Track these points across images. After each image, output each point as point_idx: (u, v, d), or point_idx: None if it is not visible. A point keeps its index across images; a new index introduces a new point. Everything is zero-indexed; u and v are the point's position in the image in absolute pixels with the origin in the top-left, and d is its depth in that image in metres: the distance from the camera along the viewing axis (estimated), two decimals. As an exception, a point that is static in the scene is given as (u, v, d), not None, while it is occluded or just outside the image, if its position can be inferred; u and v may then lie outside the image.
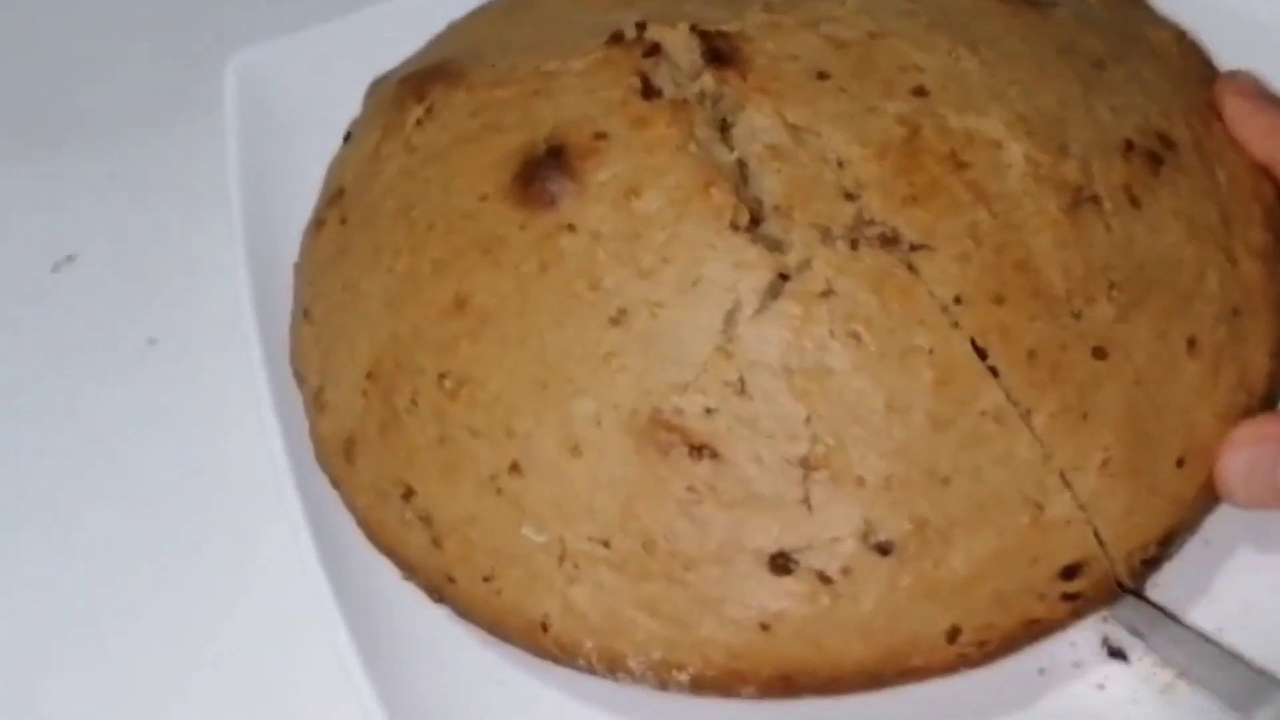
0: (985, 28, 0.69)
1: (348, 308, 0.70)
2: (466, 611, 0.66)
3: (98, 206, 0.90)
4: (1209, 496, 0.65)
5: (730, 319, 0.62)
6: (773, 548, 0.62)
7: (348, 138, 0.76)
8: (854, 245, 0.63)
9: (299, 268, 0.74)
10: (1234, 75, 0.73)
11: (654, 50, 0.68)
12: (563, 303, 0.64)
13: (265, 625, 0.73)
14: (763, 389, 0.62)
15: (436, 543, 0.65)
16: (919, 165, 0.64)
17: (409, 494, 0.66)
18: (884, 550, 0.61)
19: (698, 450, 0.62)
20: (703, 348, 0.62)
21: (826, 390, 0.62)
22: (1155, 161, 0.68)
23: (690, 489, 0.62)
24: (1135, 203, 0.66)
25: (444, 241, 0.67)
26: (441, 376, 0.65)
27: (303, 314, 0.72)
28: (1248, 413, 0.66)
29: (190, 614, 0.73)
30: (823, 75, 0.66)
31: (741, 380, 0.62)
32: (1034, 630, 0.63)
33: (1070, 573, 0.63)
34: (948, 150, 0.65)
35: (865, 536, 0.61)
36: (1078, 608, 0.64)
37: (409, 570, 0.67)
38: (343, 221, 0.72)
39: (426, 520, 0.65)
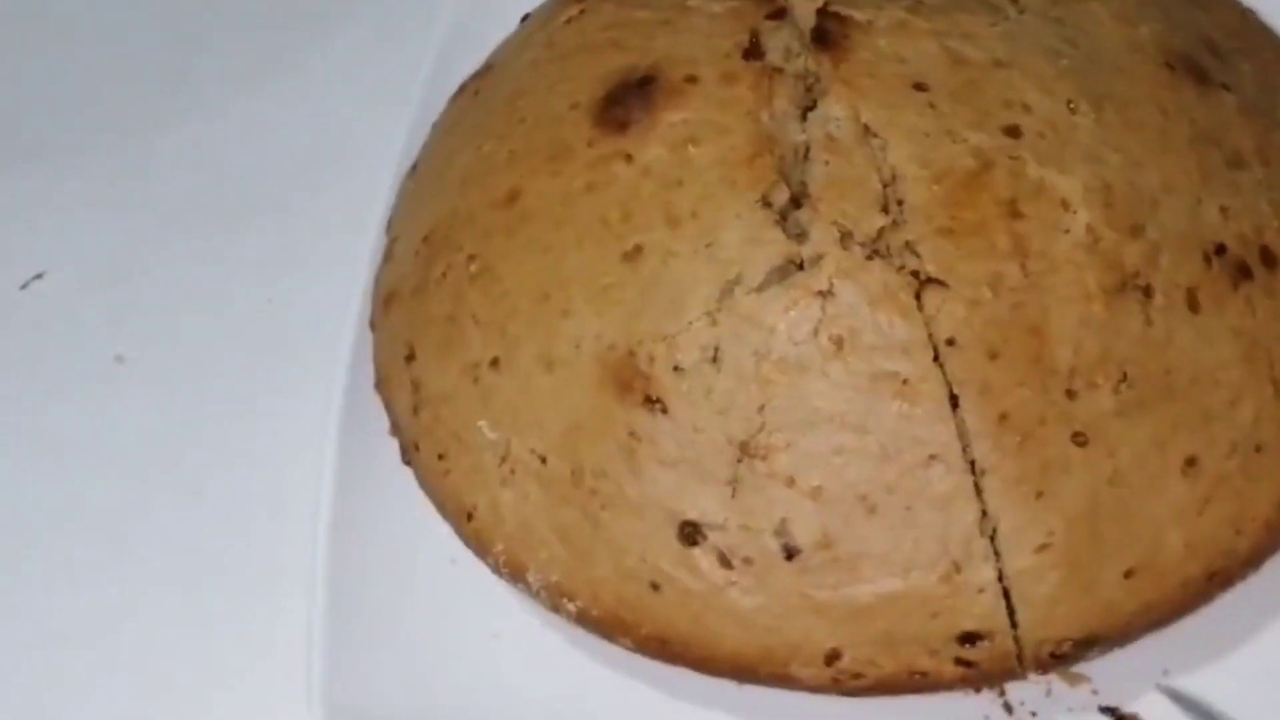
0: (1127, 88, 0.68)
1: (440, 175, 0.74)
2: (421, 481, 0.70)
3: (66, 223, 0.91)
4: (1153, 616, 0.64)
5: (728, 289, 0.64)
6: (687, 516, 0.63)
7: (525, 19, 0.79)
8: (870, 256, 0.63)
9: (435, 125, 0.78)
10: None
11: (779, 14, 0.69)
12: (592, 225, 0.67)
13: (237, 649, 0.74)
14: (733, 364, 0.63)
15: (415, 410, 0.69)
16: (972, 201, 0.64)
17: (410, 357, 0.70)
18: (790, 554, 0.62)
19: (652, 402, 0.64)
20: (695, 307, 0.64)
21: (791, 385, 0.63)
22: (1243, 273, 0.66)
23: (632, 434, 0.64)
24: (1194, 307, 0.64)
25: (527, 137, 0.70)
26: (470, 258, 0.69)
27: (412, 169, 0.76)
28: (1231, 555, 0.64)
29: (160, 637, 0.75)
30: (920, 86, 0.66)
31: (717, 349, 0.64)
32: (917, 682, 0.64)
33: (969, 639, 0.63)
34: (1009, 196, 0.64)
35: (777, 534, 0.62)
36: (970, 675, 0.64)
37: (394, 426, 0.71)
38: (476, 94, 0.76)
39: (415, 386, 0.70)
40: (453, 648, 0.69)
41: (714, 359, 0.64)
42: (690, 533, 0.63)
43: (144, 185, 0.91)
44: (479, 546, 0.67)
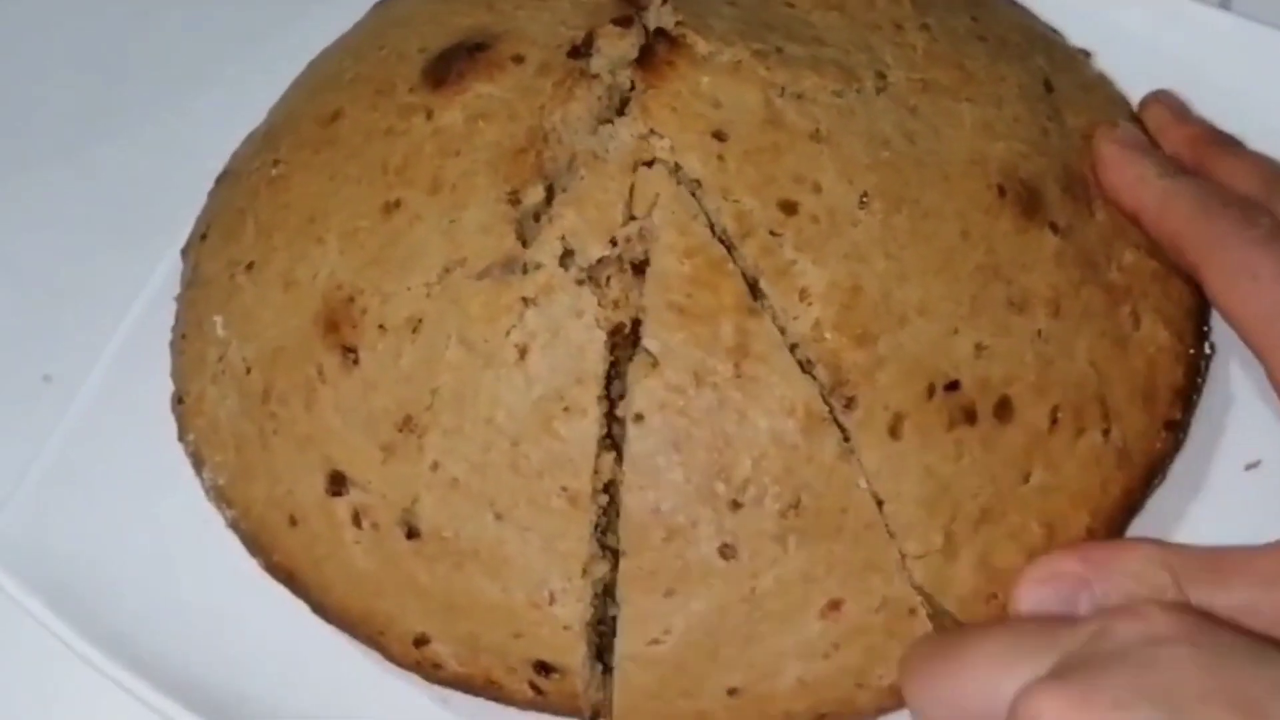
0: (938, 199, 0.68)
1: (308, 77, 0.79)
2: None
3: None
4: None
5: (451, 268, 0.67)
6: (338, 466, 0.68)
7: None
8: (582, 281, 0.65)
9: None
10: (1113, 126, 0.74)
11: (626, 21, 0.70)
12: (373, 167, 0.70)
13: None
14: (428, 339, 0.67)
15: (188, 286, 0.76)
16: (715, 285, 0.65)
17: (204, 236, 0.77)
18: (411, 533, 0.66)
19: (348, 350, 0.68)
20: (418, 275, 0.67)
21: (469, 377, 0.66)
22: (966, 417, 0.66)
23: (320, 373, 0.68)
24: (895, 434, 0.65)
25: (375, 65, 0.74)
26: (276, 162, 0.74)
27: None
28: (847, 704, 0.66)
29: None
30: (719, 135, 0.67)
31: (420, 321, 0.67)
32: (493, 691, 0.67)
33: (544, 669, 0.65)
34: (750, 280, 0.65)
35: (406, 511, 0.66)
36: (540, 702, 0.67)
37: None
38: (383, 5, 0.80)
39: (195, 265, 0.77)
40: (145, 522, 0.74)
41: (415, 329, 0.67)
42: (337, 483, 0.67)
43: (76, 199, 0.93)
44: (179, 429, 0.72)
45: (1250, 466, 0.72)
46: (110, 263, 0.86)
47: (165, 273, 0.77)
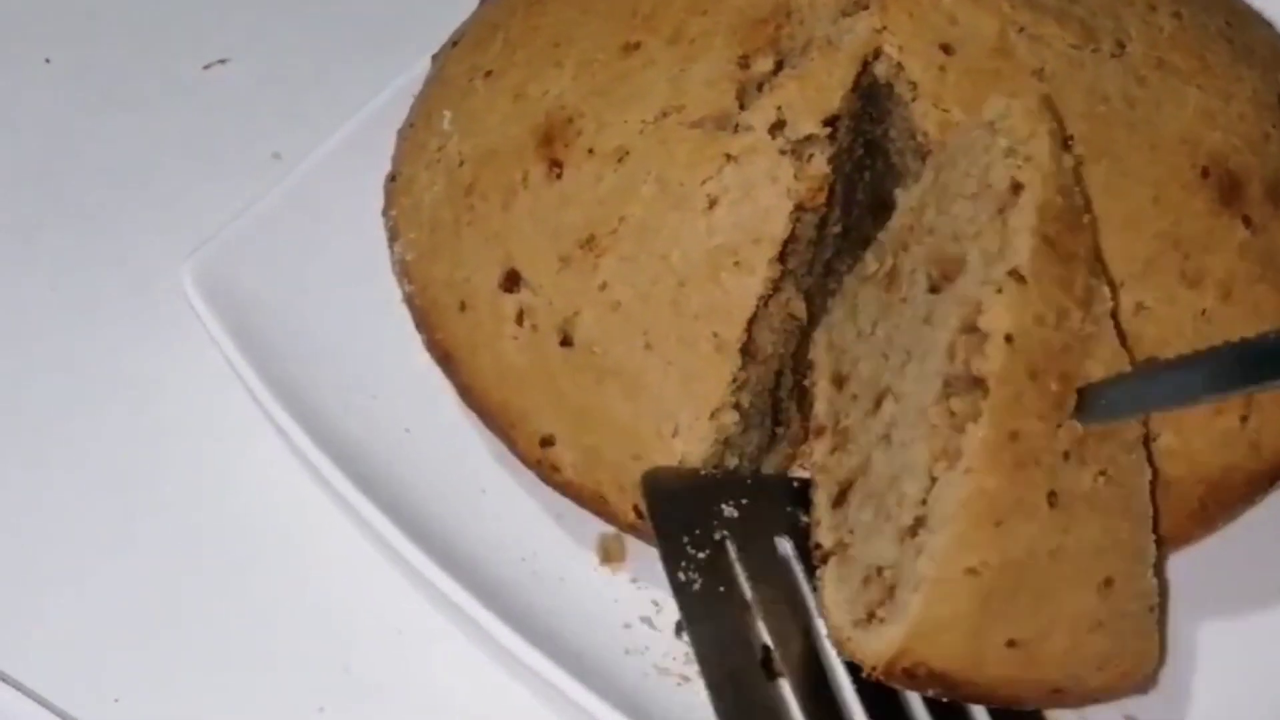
0: (1141, 163, 0.72)
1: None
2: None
3: (257, 18, 1.00)
4: (1002, 691, 0.66)
5: (668, 112, 0.72)
6: (517, 265, 0.73)
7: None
8: (785, 151, 0.70)
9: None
10: None
11: None
12: (624, 9, 0.77)
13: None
14: (629, 171, 0.73)
15: (430, 82, 0.83)
16: (1074, 224, 0.65)
17: (455, 43, 0.84)
18: (565, 341, 0.72)
19: (555, 164, 0.73)
20: (637, 112, 0.73)
21: (657, 213, 0.72)
22: None
23: (524, 178, 0.75)
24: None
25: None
26: None
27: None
28: (1080, 684, 0.67)
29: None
30: (946, 48, 0.72)
31: (628, 154, 0.72)
32: (598, 506, 0.74)
33: None
34: None
35: (567, 320, 0.73)
36: (638, 525, 0.73)
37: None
38: None
39: (441, 66, 0.84)
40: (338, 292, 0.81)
41: (620, 160, 0.72)
42: (511, 281, 0.73)
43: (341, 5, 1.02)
44: (385, 204, 0.79)
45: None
46: (359, 63, 0.93)
47: (413, 75, 0.84)
